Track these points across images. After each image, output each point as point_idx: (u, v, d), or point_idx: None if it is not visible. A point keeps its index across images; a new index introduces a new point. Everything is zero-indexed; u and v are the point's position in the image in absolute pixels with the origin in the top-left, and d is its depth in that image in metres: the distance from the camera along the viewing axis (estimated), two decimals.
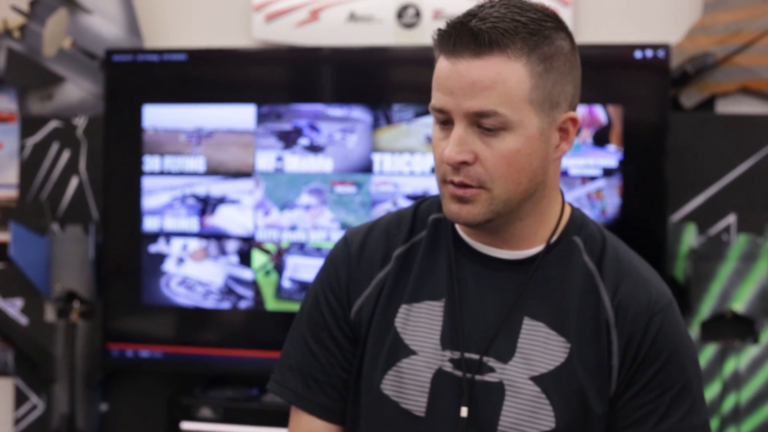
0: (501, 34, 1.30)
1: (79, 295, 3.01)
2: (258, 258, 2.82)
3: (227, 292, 2.85)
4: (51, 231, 3.02)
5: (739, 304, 2.68)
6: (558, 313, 1.41)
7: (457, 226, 1.46)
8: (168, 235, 2.88)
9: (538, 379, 1.38)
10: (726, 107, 2.78)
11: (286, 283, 2.81)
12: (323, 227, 2.78)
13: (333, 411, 1.49)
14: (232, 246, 2.84)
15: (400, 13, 2.89)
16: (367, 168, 2.76)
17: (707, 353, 2.68)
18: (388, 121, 2.74)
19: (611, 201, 2.64)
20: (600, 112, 2.63)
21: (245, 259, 2.83)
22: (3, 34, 3.09)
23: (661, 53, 2.61)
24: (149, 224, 2.88)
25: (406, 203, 2.69)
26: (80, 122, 3.06)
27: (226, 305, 2.85)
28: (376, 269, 1.47)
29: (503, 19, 1.31)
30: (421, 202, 1.53)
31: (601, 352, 1.39)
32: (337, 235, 2.75)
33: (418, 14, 2.88)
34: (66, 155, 3.06)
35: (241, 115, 2.82)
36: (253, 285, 2.83)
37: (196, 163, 2.86)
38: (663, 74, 2.62)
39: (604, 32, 2.82)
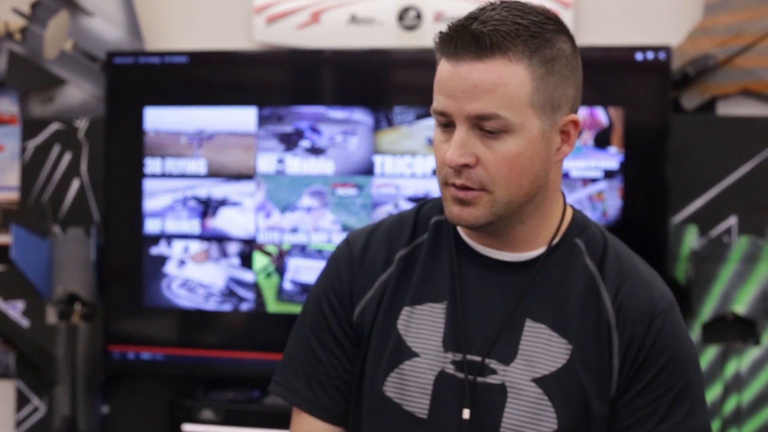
0: (502, 37, 1.30)
1: (80, 298, 3.01)
2: (259, 260, 2.82)
3: (228, 294, 2.85)
4: (52, 233, 3.02)
5: (741, 306, 2.68)
6: (559, 315, 1.41)
7: (459, 229, 1.47)
8: (169, 238, 2.88)
9: (540, 381, 1.39)
10: (727, 109, 2.78)
11: (288, 285, 2.81)
12: (324, 229, 2.78)
13: (336, 413, 1.49)
14: (233, 248, 2.84)
15: (401, 15, 2.89)
16: (368, 170, 2.76)
17: (708, 355, 2.68)
18: (390, 123, 2.74)
19: (612, 203, 2.64)
20: (601, 114, 2.64)
21: (246, 261, 2.83)
22: (4, 37, 3.09)
23: (662, 55, 2.61)
24: (150, 226, 2.89)
25: (407, 205, 2.69)
26: (81, 124, 3.06)
27: (227, 307, 2.85)
28: (379, 271, 1.47)
29: (504, 22, 1.31)
30: (423, 204, 1.53)
31: (602, 353, 1.40)
32: (339, 237, 2.76)
33: (419, 16, 2.88)
34: (67, 157, 3.07)
35: (243, 117, 2.83)
36: (255, 287, 2.83)
37: (198, 165, 2.86)
38: (664, 76, 2.62)
39: (605, 34, 2.82)
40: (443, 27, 1.35)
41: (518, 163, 1.33)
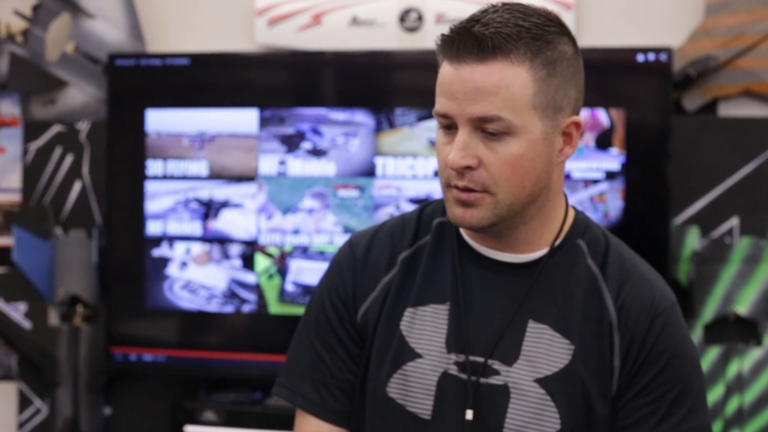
0: (504, 39, 1.30)
1: (82, 299, 3.01)
2: (261, 262, 2.83)
3: (230, 295, 2.85)
4: (54, 235, 3.02)
5: (742, 307, 2.68)
6: (562, 316, 1.41)
7: (461, 230, 1.47)
8: (171, 239, 2.88)
9: (542, 382, 1.39)
10: (728, 110, 2.78)
11: (290, 287, 2.81)
12: (326, 231, 2.79)
13: (341, 415, 1.49)
14: (235, 250, 2.84)
15: (403, 17, 2.89)
16: (369, 172, 2.76)
17: (710, 356, 2.68)
18: (391, 125, 2.75)
19: (614, 204, 2.64)
20: (602, 116, 2.64)
21: (248, 263, 2.83)
22: (6, 39, 3.09)
23: (663, 56, 2.61)
24: (152, 228, 2.89)
25: (408, 207, 2.69)
26: (83, 126, 3.06)
27: (229, 309, 2.85)
28: (382, 273, 1.48)
29: (506, 24, 1.31)
30: (426, 206, 1.53)
31: (603, 353, 1.40)
32: (340, 239, 2.76)
33: (420, 18, 2.88)
34: (69, 159, 3.07)
35: (244, 119, 2.83)
36: (256, 289, 2.83)
37: (199, 167, 2.86)
38: (665, 77, 2.62)
39: (606, 36, 2.82)
40: (445, 29, 1.36)
41: (520, 165, 1.34)
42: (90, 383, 3.01)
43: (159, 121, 2.88)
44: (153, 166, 2.88)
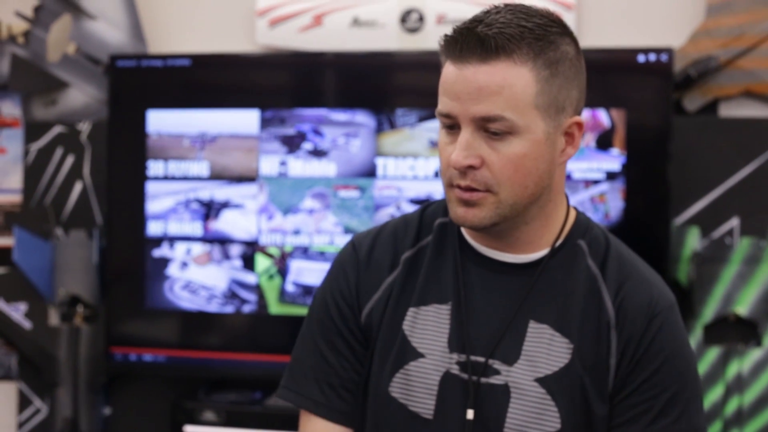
0: (507, 39, 1.31)
1: (82, 300, 3.01)
2: (261, 262, 2.83)
3: (231, 296, 2.85)
4: (55, 235, 3.03)
5: (742, 308, 2.68)
6: (562, 315, 1.42)
7: (463, 230, 1.47)
8: (172, 240, 2.88)
9: (542, 381, 1.39)
10: (729, 111, 2.79)
11: (290, 287, 2.82)
12: (327, 231, 2.79)
13: (348, 414, 1.49)
14: (235, 250, 2.85)
15: (404, 18, 2.90)
16: (370, 172, 2.76)
17: (710, 356, 2.68)
18: (392, 126, 2.75)
19: (614, 204, 2.64)
20: (603, 116, 2.64)
21: (249, 263, 2.83)
22: (7, 40, 3.09)
23: (664, 57, 2.61)
24: (153, 229, 2.89)
25: (409, 207, 2.69)
26: (84, 127, 3.06)
27: (229, 309, 2.86)
28: (385, 273, 1.48)
29: (509, 24, 1.32)
30: (427, 206, 1.54)
31: (600, 352, 1.40)
32: (341, 239, 2.76)
33: (421, 19, 2.89)
34: (70, 160, 3.07)
35: (245, 119, 2.83)
36: (257, 289, 2.83)
37: (200, 167, 2.86)
38: (666, 78, 2.62)
39: (607, 36, 2.82)
40: (446, 30, 1.37)
41: (523, 165, 1.34)
42: (90, 383, 3.01)
43: (160, 121, 2.88)
44: (154, 167, 2.88)
